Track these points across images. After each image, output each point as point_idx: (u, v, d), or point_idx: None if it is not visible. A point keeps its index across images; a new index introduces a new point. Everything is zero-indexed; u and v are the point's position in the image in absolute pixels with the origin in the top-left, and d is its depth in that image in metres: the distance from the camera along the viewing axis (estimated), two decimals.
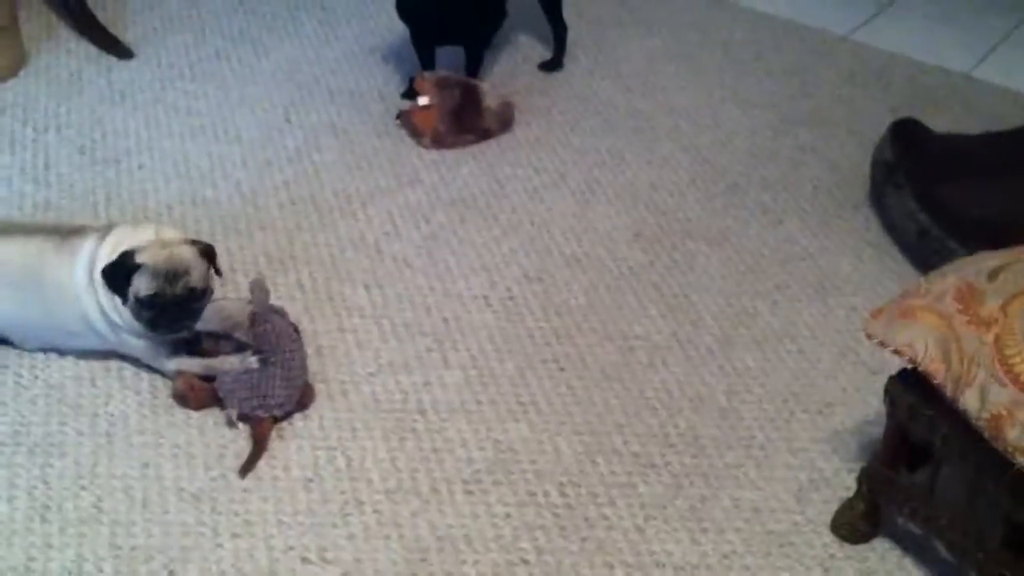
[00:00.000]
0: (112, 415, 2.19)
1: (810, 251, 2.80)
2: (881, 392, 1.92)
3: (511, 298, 2.59)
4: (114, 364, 2.29)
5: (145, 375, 2.27)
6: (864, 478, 2.01)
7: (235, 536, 1.98)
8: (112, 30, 3.44)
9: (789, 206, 2.97)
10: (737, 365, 2.44)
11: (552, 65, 3.54)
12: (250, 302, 2.28)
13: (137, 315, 2.16)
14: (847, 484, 2.13)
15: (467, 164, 3.05)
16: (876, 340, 1.87)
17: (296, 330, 2.31)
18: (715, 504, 2.11)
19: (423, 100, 3.11)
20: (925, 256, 2.66)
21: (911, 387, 1.85)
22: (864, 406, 2.33)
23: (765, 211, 2.94)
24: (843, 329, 2.54)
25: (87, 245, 2.21)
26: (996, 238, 1.96)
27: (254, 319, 2.24)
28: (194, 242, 2.22)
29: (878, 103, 3.41)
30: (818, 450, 2.24)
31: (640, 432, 2.25)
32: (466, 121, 3.12)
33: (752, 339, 2.52)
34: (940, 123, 3.09)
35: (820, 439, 2.26)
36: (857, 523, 2.04)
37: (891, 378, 1.90)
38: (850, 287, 2.68)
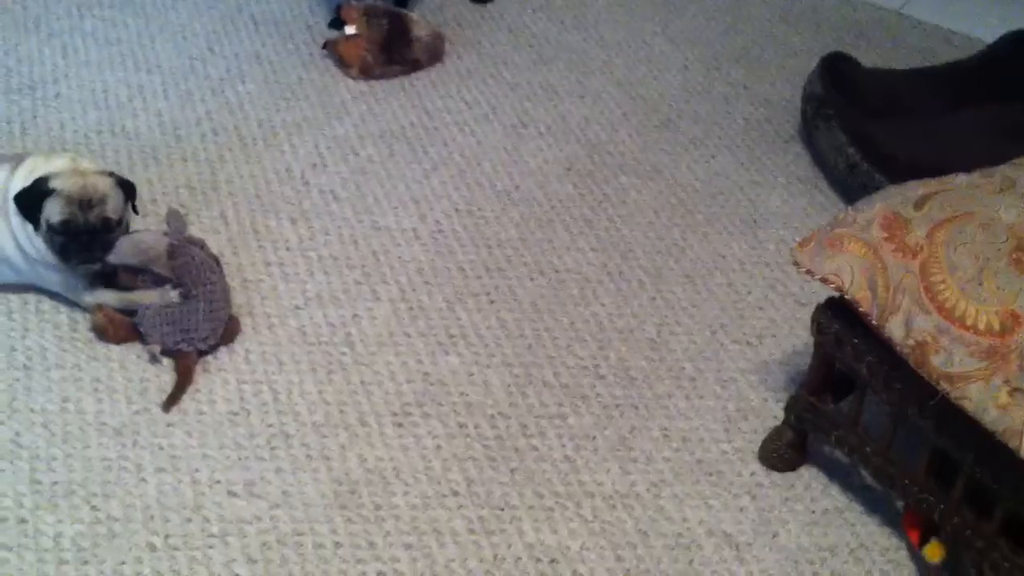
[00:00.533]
0: (30, 348, 2.12)
1: (740, 185, 2.80)
2: (809, 323, 1.93)
3: (441, 231, 2.56)
4: (32, 297, 2.22)
5: (64, 308, 2.21)
6: (791, 407, 2.02)
7: (159, 470, 1.94)
8: None
9: (720, 141, 2.96)
10: (667, 297, 2.44)
11: None
12: (167, 233, 2.23)
13: (49, 242, 2.10)
14: (775, 414, 2.15)
15: (396, 96, 2.99)
16: (803, 269, 1.87)
17: (217, 262, 2.25)
18: (644, 434, 2.12)
19: (350, 30, 3.05)
20: (853, 189, 2.67)
21: (838, 316, 1.86)
22: (793, 337, 2.35)
23: (696, 146, 2.94)
24: (772, 261, 2.55)
25: (1, 173, 2.13)
26: (921, 175, 1.96)
27: (172, 251, 2.18)
28: (111, 174, 2.15)
29: (809, 39, 3.41)
30: (746, 380, 2.25)
31: (570, 364, 2.25)
32: (395, 52, 3.05)
33: (682, 272, 2.52)
34: (870, 59, 3.11)
35: (748, 370, 2.28)
36: (784, 451, 2.06)
37: (818, 307, 1.90)
38: (779, 220, 2.69)
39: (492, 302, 2.38)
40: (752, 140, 2.98)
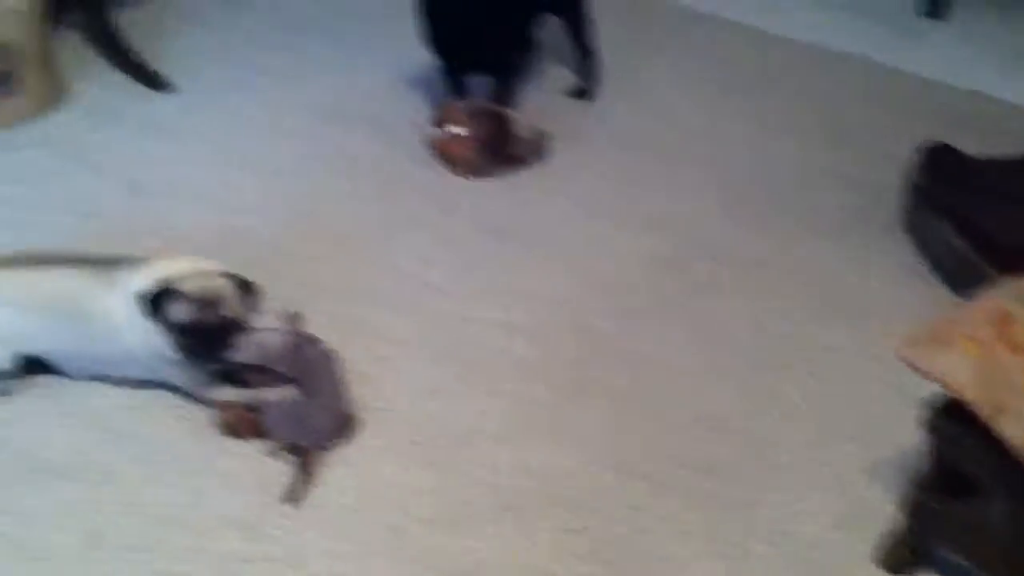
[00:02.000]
0: (161, 443, 2.22)
1: (841, 275, 2.82)
2: (920, 419, 1.93)
3: (543, 324, 2.61)
4: (163, 394, 2.32)
5: (191, 404, 2.30)
6: (906, 507, 2.00)
7: (283, 564, 2.00)
8: (148, 63, 3.49)
9: (819, 231, 2.98)
10: (773, 391, 2.46)
11: (582, 94, 3.57)
12: (287, 333, 2.32)
13: (173, 342, 2.20)
14: (889, 514, 2.12)
15: (501, 192, 3.08)
16: (912, 366, 1.86)
17: (334, 359, 2.34)
18: (754, 534, 2.13)
19: (455, 129, 3.15)
20: (960, 281, 2.66)
21: (951, 415, 1.84)
22: (905, 433, 2.30)
23: (795, 236, 2.96)
24: (878, 355, 2.54)
25: (128, 275, 2.25)
26: None
27: (292, 349, 2.27)
28: (231, 275, 2.25)
29: (908, 127, 3.41)
30: (858, 479, 2.24)
31: (675, 457, 2.27)
32: (499, 150, 3.15)
33: (781, 365, 2.53)
34: (971, 145, 3.11)
35: (860, 468, 2.27)
36: (900, 554, 2.03)
37: (930, 406, 1.89)
38: (884, 312, 2.69)
39: (597, 395, 2.42)
40: (852, 228, 2.99)
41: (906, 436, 2.29)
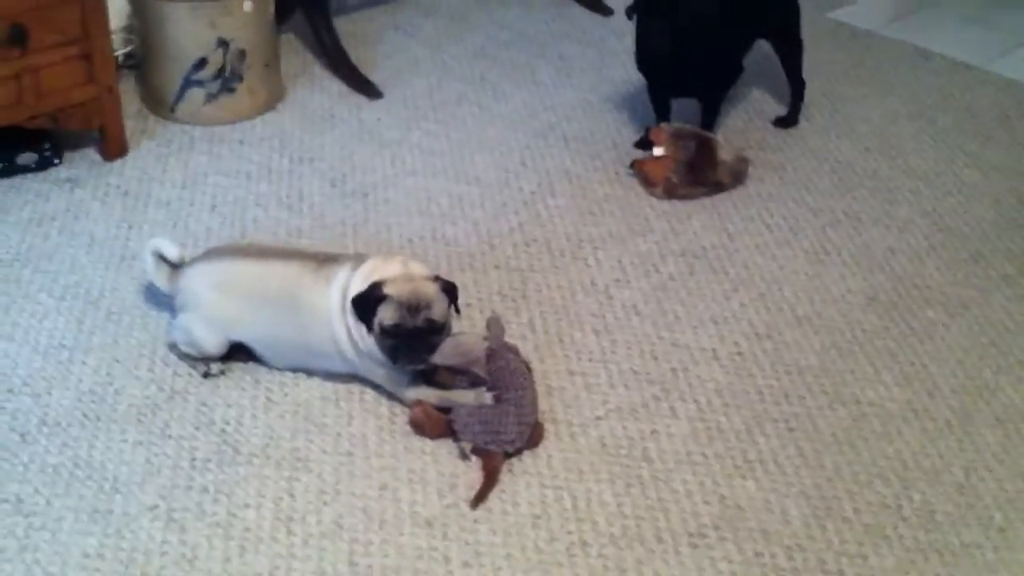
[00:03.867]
0: (354, 436, 2.29)
1: None
2: None
3: (739, 353, 2.58)
4: (356, 388, 2.39)
5: (385, 401, 2.36)
6: None
7: (465, 565, 2.03)
8: (362, 71, 3.62)
9: None
10: (976, 440, 2.35)
11: (787, 121, 3.52)
12: (486, 338, 2.36)
13: (380, 344, 2.26)
14: None
15: (698, 216, 3.06)
16: None
17: (528, 369, 2.36)
18: None
19: (658, 151, 3.15)
20: None
21: None
22: None
23: (1009, 283, 2.84)
24: None
25: (341, 273, 2.32)
26: None
27: (490, 355, 2.30)
28: (437, 278, 2.30)
29: None
30: None
31: (872, 501, 2.20)
32: (699, 173, 3.13)
33: (992, 415, 2.43)
34: None
35: None
36: None
37: None
38: None
39: (791, 430, 2.37)
40: None
41: None
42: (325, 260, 2.38)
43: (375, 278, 2.27)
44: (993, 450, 2.33)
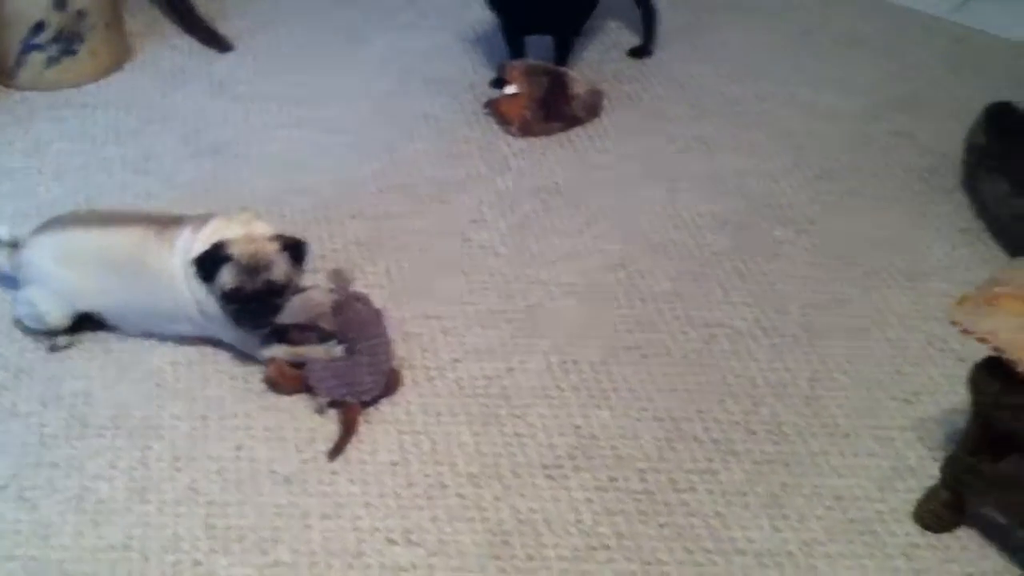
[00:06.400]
0: (209, 399, 2.27)
1: (901, 237, 2.77)
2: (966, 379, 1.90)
3: (595, 285, 2.61)
4: (210, 350, 2.38)
5: (239, 361, 2.35)
6: (948, 467, 1.98)
7: (324, 517, 2.04)
8: (213, 24, 3.54)
9: (881, 192, 2.93)
10: (823, 353, 2.43)
11: (641, 52, 3.54)
12: (332, 291, 2.35)
13: (222, 307, 2.24)
14: (932, 473, 2.10)
15: (554, 152, 3.08)
16: (961, 327, 1.85)
17: (380, 316, 2.36)
18: (796, 492, 2.11)
19: (511, 89, 3.15)
20: (1018, 242, 2.60)
21: (995, 375, 1.82)
22: (952, 394, 2.30)
23: (856, 197, 2.91)
24: (932, 316, 2.50)
25: (185, 234, 2.29)
26: None
27: (337, 308, 2.30)
28: (280, 237, 2.28)
29: (976, 86, 3.34)
30: (903, 438, 2.22)
31: (721, 419, 2.26)
32: (554, 109, 3.14)
33: (839, 327, 2.50)
34: None
35: (906, 427, 2.24)
36: (941, 512, 2.02)
37: (975, 366, 1.87)
38: (941, 273, 2.64)
39: (644, 356, 2.41)
40: (913, 191, 2.94)
41: (956, 398, 2.27)
42: (168, 223, 2.34)
43: (216, 239, 2.24)
44: (838, 361, 2.41)
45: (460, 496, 2.09)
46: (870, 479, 2.14)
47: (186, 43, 3.50)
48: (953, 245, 2.73)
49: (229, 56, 3.45)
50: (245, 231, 2.26)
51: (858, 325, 2.50)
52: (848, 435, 2.23)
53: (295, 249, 2.28)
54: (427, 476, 2.13)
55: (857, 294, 2.59)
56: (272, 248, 2.24)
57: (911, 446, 2.20)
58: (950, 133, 3.12)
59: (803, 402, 2.31)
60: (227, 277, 2.19)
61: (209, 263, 2.21)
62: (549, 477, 2.13)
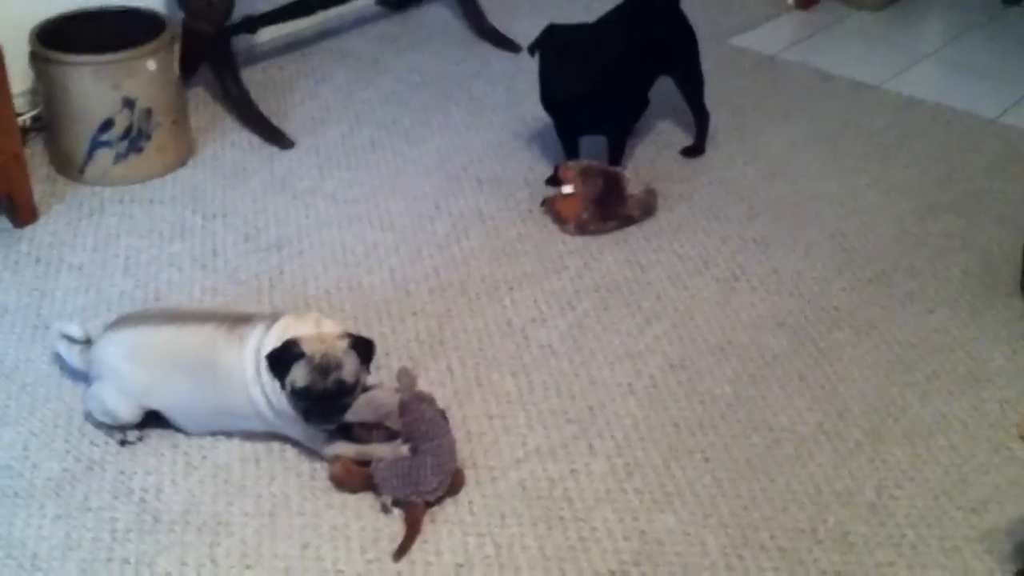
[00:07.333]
0: (275, 496, 2.29)
1: (961, 341, 2.77)
2: None
3: (655, 386, 2.62)
4: (276, 446, 2.40)
5: (306, 458, 2.37)
6: None
7: None
8: (273, 121, 3.63)
9: (938, 295, 2.94)
10: (887, 459, 2.42)
11: (694, 151, 3.59)
12: (398, 391, 2.38)
13: (293, 404, 2.27)
14: None
15: (611, 250, 3.11)
16: None
17: (444, 416, 2.38)
18: None
19: (567, 188, 3.20)
20: None
21: None
22: (1020, 504, 2.28)
23: (913, 300, 2.92)
24: (996, 423, 2.50)
25: (255, 332, 2.33)
26: None
27: (403, 408, 2.33)
28: (349, 335, 2.31)
29: None
30: (971, 549, 2.20)
31: (787, 527, 2.25)
32: (609, 208, 3.19)
33: (902, 432, 2.50)
34: None
35: (972, 538, 2.22)
36: None
37: None
38: (1003, 379, 2.64)
39: (707, 460, 2.41)
40: (971, 294, 2.94)
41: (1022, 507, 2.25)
42: (238, 320, 2.39)
43: (289, 336, 2.28)
44: (903, 467, 2.40)
45: None
46: None
47: (248, 139, 3.58)
48: (1014, 350, 2.73)
49: (289, 153, 3.52)
50: (316, 329, 2.29)
51: (920, 432, 2.50)
52: (915, 546, 2.22)
53: (363, 348, 2.31)
54: None
55: (918, 399, 2.59)
56: (342, 346, 2.27)
57: (979, 558, 2.18)
58: (1004, 236, 3.14)
59: (868, 510, 2.30)
60: (299, 375, 2.22)
61: (282, 360, 2.24)
62: None
